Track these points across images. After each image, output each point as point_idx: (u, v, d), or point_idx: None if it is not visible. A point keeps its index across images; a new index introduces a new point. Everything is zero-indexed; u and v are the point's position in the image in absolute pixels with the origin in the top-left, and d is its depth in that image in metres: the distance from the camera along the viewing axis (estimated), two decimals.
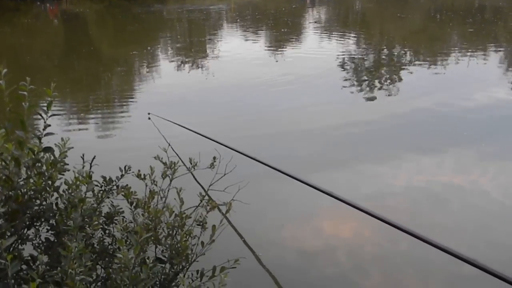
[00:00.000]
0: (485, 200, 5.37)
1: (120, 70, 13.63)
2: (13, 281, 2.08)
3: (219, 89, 10.57)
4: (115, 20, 23.95)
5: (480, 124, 7.61)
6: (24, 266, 2.38)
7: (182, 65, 13.70)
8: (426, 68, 11.86)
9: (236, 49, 15.31)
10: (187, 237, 2.65)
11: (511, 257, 4.34)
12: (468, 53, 13.33)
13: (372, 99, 9.40)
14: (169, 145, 2.97)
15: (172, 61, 14.50)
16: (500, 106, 8.47)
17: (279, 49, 14.84)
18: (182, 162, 2.99)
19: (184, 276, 2.63)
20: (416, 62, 12.67)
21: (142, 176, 2.87)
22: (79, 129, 8.31)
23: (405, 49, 14.56)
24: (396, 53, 14.15)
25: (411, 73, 11.47)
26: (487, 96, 9.01)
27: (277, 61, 13.32)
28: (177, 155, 3.00)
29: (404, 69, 12.05)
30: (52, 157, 2.63)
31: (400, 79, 11.01)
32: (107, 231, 2.74)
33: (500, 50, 13.67)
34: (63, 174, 2.64)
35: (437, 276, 4.11)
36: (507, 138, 7.04)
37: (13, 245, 2.44)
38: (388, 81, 10.93)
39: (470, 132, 7.27)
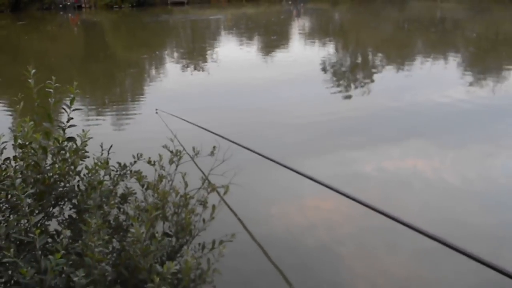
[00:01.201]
0: (444, 183, 5.40)
1: (132, 71, 13.57)
2: (40, 252, 2.07)
3: (218, 87, 10.55)
4: (128, 28, 23.81)
5: (440, 119, 7.63)
6: (50, 240, 2.37)
7: (186, 67, 13.66)
8: (395, 70, 11.88)
9: (232, 54, 15.28)
10: (191, 215, 2.64)
11: (467, 231, 4.37)
12: (431, 58, 13.35)
13: (349, 96, 9.42)
14: (175, 136, 2.96)
15: (177, 63, 14.44)
16: (457, 103, 8.49)
17: (269, 54, 14.81)
18: (186, 151, 2.98)
19: (188, 248, 2.62)
20: (386, 66, 12.69)
21: (152, 162, 2.86)
22: (97, 122, 8.28)
23: (377, 55, 14.57)
24: (369, 58, 14.15)
25: (382, 75, 11.48)
26: (446, 94, 9.02)
27: (267, 64, 13.29)
28: (181, 145, 2.99)
29: (375, 71, 12.06)
30: (75, 146, 2.63)
31: (372, 80, 11.02)
32: (121, 209, 2.73)
33: (458, 56, 13.71)
34: (84, 160, 2.64)
35: (402, 248, 4.14)
36: (463, 130, 7.06)
37: (41, 221, 2.43)
38: (362, 81, 10.94)
39: (432, 125, 7.29)
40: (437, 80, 10.56)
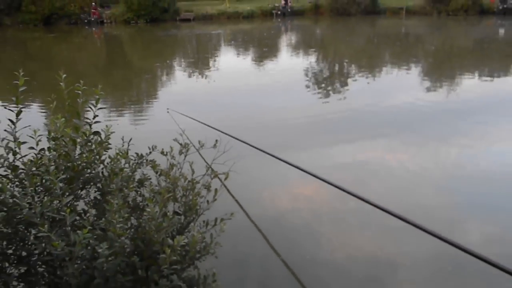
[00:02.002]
0: (406, 172, 5.42)
1: (147, 77, 13.50)
2: (70, 228, 2.06)
3: (219, 91, 10.53)
4: (143, 40, 23.68)
5: (404, 118, 7.66)
6: (78, 217, 2.36)
7: (192, 74, 13.60)
8: (366, 77, 11.88)
9: (231, 63, 15.23)
10: (197, 197, 2.64)
11: (423, 211, 4.40)
12: (397, 67, 13.37)
13: (328, 100, 9.41)
14: (183, 131, 2.95)
15: (185, 71, 14.38)
16: (418, 104, 8.51)
17: (262, 63, 14.77)
18: (192, 144, 2.96)
19: (194, 225, 2.62)
20: (359, 73, 12.69)
21: (164, 153, 2.85)
22: (118, 119, 8.24)
23: (351, 64, 14.57)
24: (345, 67, 14.15)
25: (355, 81, 11.48)
26: (409, 97, 9.05)
27: (260, 72, 13.26)
28: (188, 138, 2.97)
29: (350, 78, 12.05)
30: (99, 139, 2.61)
31: (347, 85, 11.03)
32: (139, 192, 2.72)
33: (419, 65, 13.73)
34: (107, 151, 2.63)
35: (371, 225, 4.15)
36: (422, 128, 7.08)
37: (70, 202, 2.41)
38: (339, 87, 10.93)
39: (396, 124, 7.31)
40: (401, 85, 10.58)
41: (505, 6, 27.16)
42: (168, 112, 7.80)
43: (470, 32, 21.45)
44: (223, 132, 5.17)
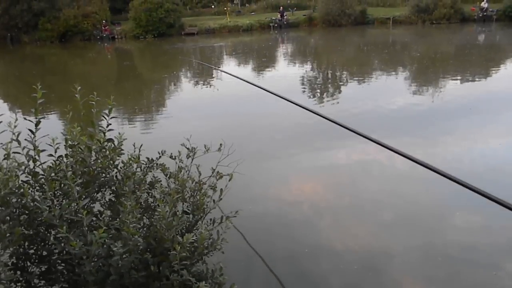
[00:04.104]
0: (396, 170, 5.40)
1: (156, 87, 13.51)
2: (86, 228, 2.06)
3: (222, 98, 10.53)
4: (152, 53, 23.71)
5: (393, 120, 7.64)
6: (94, 218, 2.36)
7: (197, 83, 13.60)
8: (357, 83, 11.86)
9: (233, 72, 15.22)
10: (204, 197, 2.63)
11: (415, 205, 4.39)
12: (385, 73, 13.36)
13: (322, 105, 9.39)
14: (190, 136, 2.94)
15: (190, 81, 14.39)
16: (407, 107, 8.51)
17: (261, 72, 14.76)
18: (199, 148, 2.95)
19: (202, 222, 2.61)
20: (351, 79, 12.67)
21: (173, 157, 2.84)
22: (130, 126, 8.24)
23: (343, 71, 14.56)
24: (337, 74, 14.13)
25: (347, 86, 11.47)
26: (398, 100, 9.04)
27: (259, 80, 13.24)
28: (189, 143, 2.95)
29: (342, 84, 12.04)
30: (113, 145, 2.60)
31: (340, 91, 11.01)
32: (150, 194, 2.72)
33: (405, 71, 13.72)
34: (120, 156, 2.62)
35: (366, 217, 4.14)
36: (411, 129, 7.07)
37: (87, 204, 2.41)
38: (332, 92, 10.92)
39: (387, 125, 7.29)
40: (390, 90, 10.55)
41: (484, 14, 27.16)
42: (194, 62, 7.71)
43: (452, 39, 21.43)
44: (257, 86, 4.92)
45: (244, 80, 4.92)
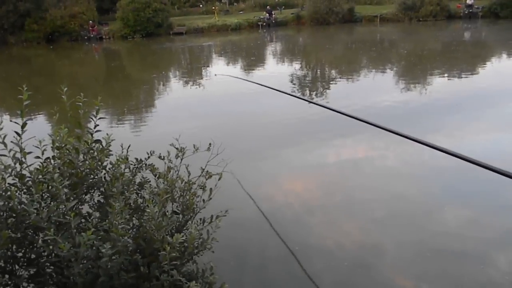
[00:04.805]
0: (387, 166, 5.44)
1: (145, 87, 13.43)
2: (75, 230, 2.04)
3: (210, 97, 10.50)
4: (140, 53, 23.57)
5: (381, 116, 7.69)
6: (83, 220, 2.34)
7: (186, 83, 13.55)
8: (345, 80, 11.93)
9: (221, 71, 15.19)
10: (193, 197, 2.62)
11: (404, 199, 4.42)
12: (373, 70, 13.44)
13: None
14: (179, 136, 2.93)
15: (179, 80, 14.33)
16: (394, 104, 8.57)
17: (250, 70, 14.76)
18: (188, 148, 2.94)
19: (192, 222, 2.61)
20: (339, 77, 12.73)
21: (162, 157, 2.83)
22: (119, 127, 8.18)
23: (332, 69, 14.61)
24: (326, 72, 14.18)
25: (336, 84, 11.52)
26: (386, 97, 9.11)
27: (248, 78, 13.23)
28: (178, 143, 2.93)
29: (331, 81, 12.09)
30: (101, 146, 2.59)
31: (329, 88, 11.05)
32: (139, 194, 2.70)
33: (393, 68, 13.82)
34: (108, 157, 2.60)
35: (357, 214, 4.16)
36: (400, 126, 7.09)
37: (75, 206, 2.39)
38: (321, 89, 10.95)
39: (376, 121, 7.32)
40: (378, 87, 10.62)
41: (470, 11, 27.47)
42: (215, 75, 7.87)
43: (439, 36, 21.63)
44: (263, 85, 5.02)
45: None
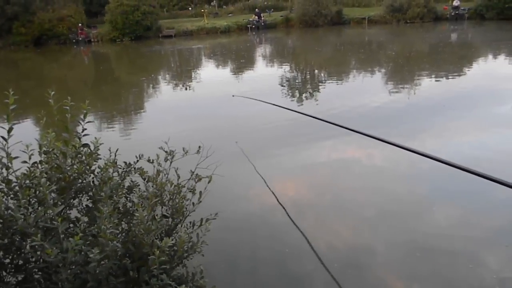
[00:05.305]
0: (375, 167, 5.47)
1: (134, 90, 13.36)
2: (62, 235, 2.01)
3: (200, 100, 10.48)
4: (129, 57, 23.45)
5: (370, 117, 7.73)
6: (71, 225, 2.31)
7: (176, 85, 13.51)
8: (334, 82, 11.98)
9: (211, 74, 15.18)
10: (183, 200, 2.61)
11: (395, 198, 4.45)
12: (362, 72, 13.52)
13: (301, 105, 9.44)
14: (168, 139, 2.91)
15: (169, 83, 14.28)
16: (383, 105, 8.62)
17: (239, 73, 14.77)
18: (177, 151, 2.93)
19: (181, 226, 2.59)
20: (328, 79, 12.78)
21: (151, 161, 2.81)
22: (107, 131, 8.12)
23: (321, 71, 14.67)
24: (315, 74, 14.23)
25: (325, 86, 11.56)
26: (375, 99, 9.16)
27: (238, 81, 13.25)
28: (167, 146, 2.92)
29: (320, 83, 12.13)
30: (89, 150, 2.56)
31: (318, 90, 11.09)
32: (128, 198, 2.68)
33: (381, 69, 13.91)
34: (97, 161, 2.58)
35: (348, 213, 4.16)
36: (388, 126, 7.16)
37: (63, 211, 2.36)
38: (310, 91, 10.99)
39: (365, 123, 7.36)
40: (367, 88, 10.68)
41: (457, 12, 27.82)
42: (233, 96, 8.09)
43: (426, 38, 21.84)
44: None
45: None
